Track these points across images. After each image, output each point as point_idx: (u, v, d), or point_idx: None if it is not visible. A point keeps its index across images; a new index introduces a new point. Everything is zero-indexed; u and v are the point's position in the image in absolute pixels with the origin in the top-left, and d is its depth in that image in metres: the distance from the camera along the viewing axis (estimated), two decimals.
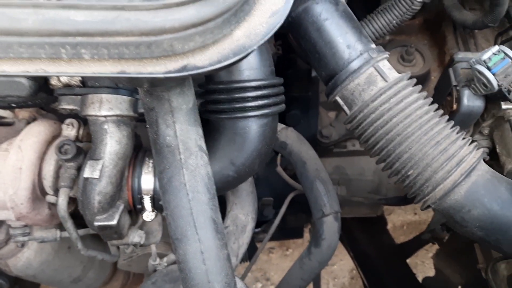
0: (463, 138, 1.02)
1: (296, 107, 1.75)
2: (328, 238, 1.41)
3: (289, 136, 1.50)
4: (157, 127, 0.79)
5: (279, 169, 1.64)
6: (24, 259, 1.32)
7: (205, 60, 0.61)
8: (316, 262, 1.45)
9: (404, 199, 1.69)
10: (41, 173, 1.08)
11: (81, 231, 1.16)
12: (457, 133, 1.02)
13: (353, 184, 1.82)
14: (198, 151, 0.80)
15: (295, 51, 1.64)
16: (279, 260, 2.72)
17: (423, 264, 2.72)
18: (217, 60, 0.61)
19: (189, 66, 0.60)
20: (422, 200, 1.04)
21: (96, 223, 1.02)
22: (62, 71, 0.59)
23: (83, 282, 1.57)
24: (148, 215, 1.09)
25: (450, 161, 0.99)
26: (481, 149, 1.05)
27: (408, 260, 2.24)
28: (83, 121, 1.13)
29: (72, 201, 1.12)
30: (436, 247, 2.25)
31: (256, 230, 1.84)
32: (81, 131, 1.13)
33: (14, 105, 1.11)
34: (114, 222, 1.03)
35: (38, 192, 1.09)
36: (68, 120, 1.10)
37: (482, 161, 1.03)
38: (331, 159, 1.82)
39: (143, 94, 0.78)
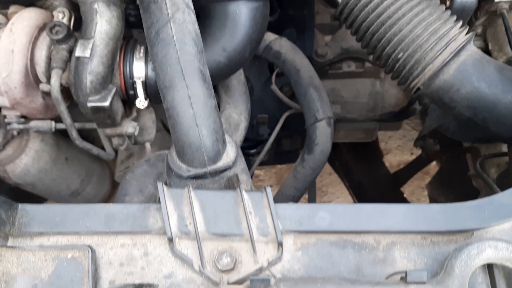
0: (455, 21, 1.02)
1: (291, 25, 1.74)
2: (321, 143, 1.43)
3: (283, 45, 1.50)
4: None
5: (274, 87, 1.65)
6: (22, 165, 1.34)
7: None
8: (309, 169, 1.47)
9: (398, 114, 1.70)
10: (34, 58, 1.08)
11: (76, 125, 1.18)
12: (448, 15, 1.02)
13: (348, 106, 1.82)
14: (185, 8, 0.80)
15: None
16: None
17: (419, 201, 2.76)
18: None
19: None
20: (412, 82, 1.04)
21: (89, 104, 1.04)
22: None
23: (82, 196, 1.59)
24: (141, 101, 1.10)
25: (439, 40, 0.99)
26: (472, 32, 1.05)
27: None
28: (74, 11, 1.13)
29: (66, 95, 1.14)
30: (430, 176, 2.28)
31: (252, 151, 1.86)
32: (72, 21, 1.13)
33: None
34: (106, 103, 1.04)
35: (31, 79, 1.10)
36: (59, 8, 1.10)
37: (471, 42, 1.03)
38: (327, 81, 1.81)
39: None
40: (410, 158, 2.94)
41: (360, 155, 2.24)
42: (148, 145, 1.28)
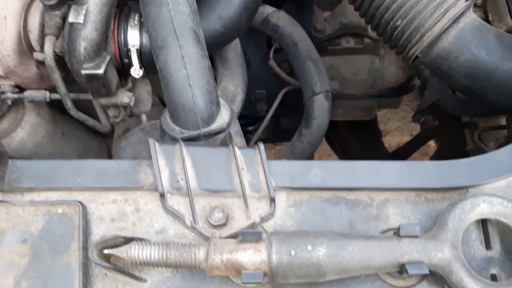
0: None
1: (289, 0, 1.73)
2: (319, 117, 1.42)
3: (280, 18, 1.48)
4: None
5: (272, 62, 1.63)
6: (18, 139, 1.33)
7: None
8: (306, 143, 1.46)
9: (396, 90, 1.69)
10: (27, 26, 1.07)
11: (71, 95, 1.17)
12: None
13: (347, 83, 1.81)
14: None
15: None
16: None
17: None
18: None
19: None
20: (411, 51, 1.03)
21: (83, 71, 1.02)
22: None
23: None
24: (136, 70, 1.09)
25: (438, 7, 0.98)
26: None
27: None
28: None
29: (61, 66, 1.12)
30: (429, 158, 2.27)
31: (249, 128, 1.85)
32: None
33: None
34: (101, 71, 1.03)
35: (25, 46, 1.08)
36: None
37: (471, 9, 1.02)
38: (326, 58, 1.80)
39: None
40: (409, 139, 2.93)
41: (358, 134, 2.23)
42: (144, 117, 1.27)
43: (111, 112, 1.25)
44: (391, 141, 2.92)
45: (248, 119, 1.79)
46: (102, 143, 1.68)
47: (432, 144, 2.39)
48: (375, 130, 2.27)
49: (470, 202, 0.58)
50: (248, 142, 1.88)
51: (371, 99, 1.83)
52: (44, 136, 1.38)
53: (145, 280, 0.61)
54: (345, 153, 2.25)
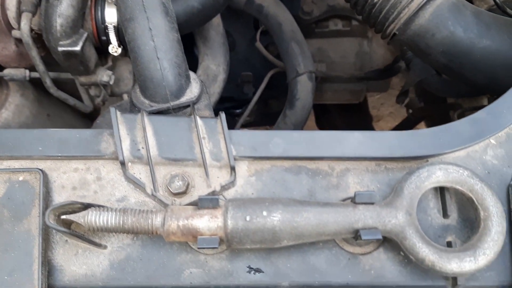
0: None
1: None
2: (302, 98, 1.42)
3: None
4: None
5: (259, 44, 1.63)
6: (2, 120, 1.33)
7: None
8: (291, 125, 1.46)
9: (383, 72, 1.68)
10: (4, 3, 1.07)
11: (51, 74, 1.17)
12: None
13: (335, 66, 1.80)
14: None
15: None
16: None
17: None
18: None
19: None
20: (388, 28, 1.03)
21: (60, 48, 1.02)
22: None
23: None
24: (114, 47, 1.09)
25: None
26: None
27: None
28: None
29: (42, 45, 1.12)
30: None
31: (237, 111, 1.85)
32: None
33: None
34: (77, 48, 1.03)
35: (3, 24, 1.08)
36: None
37: None
38: (313, 41, 1.79)
39: None
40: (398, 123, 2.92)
41: (349, 119, 2.23)
42: (126, 96, 1.27)
43: (92, 91, 1.25)
44: (384, 126, 2.91)
45: (235, 102, 1.79)
46: (89, 125, 1.68)
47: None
48: (366, 114, 2.27)
49: (426, 170, 0.59)
50: (234, 124, 1.88)
51: (360, 82, 1.83)
52: (28, 117, 1.38)
53: (105, 247, 0.62)
54: None
